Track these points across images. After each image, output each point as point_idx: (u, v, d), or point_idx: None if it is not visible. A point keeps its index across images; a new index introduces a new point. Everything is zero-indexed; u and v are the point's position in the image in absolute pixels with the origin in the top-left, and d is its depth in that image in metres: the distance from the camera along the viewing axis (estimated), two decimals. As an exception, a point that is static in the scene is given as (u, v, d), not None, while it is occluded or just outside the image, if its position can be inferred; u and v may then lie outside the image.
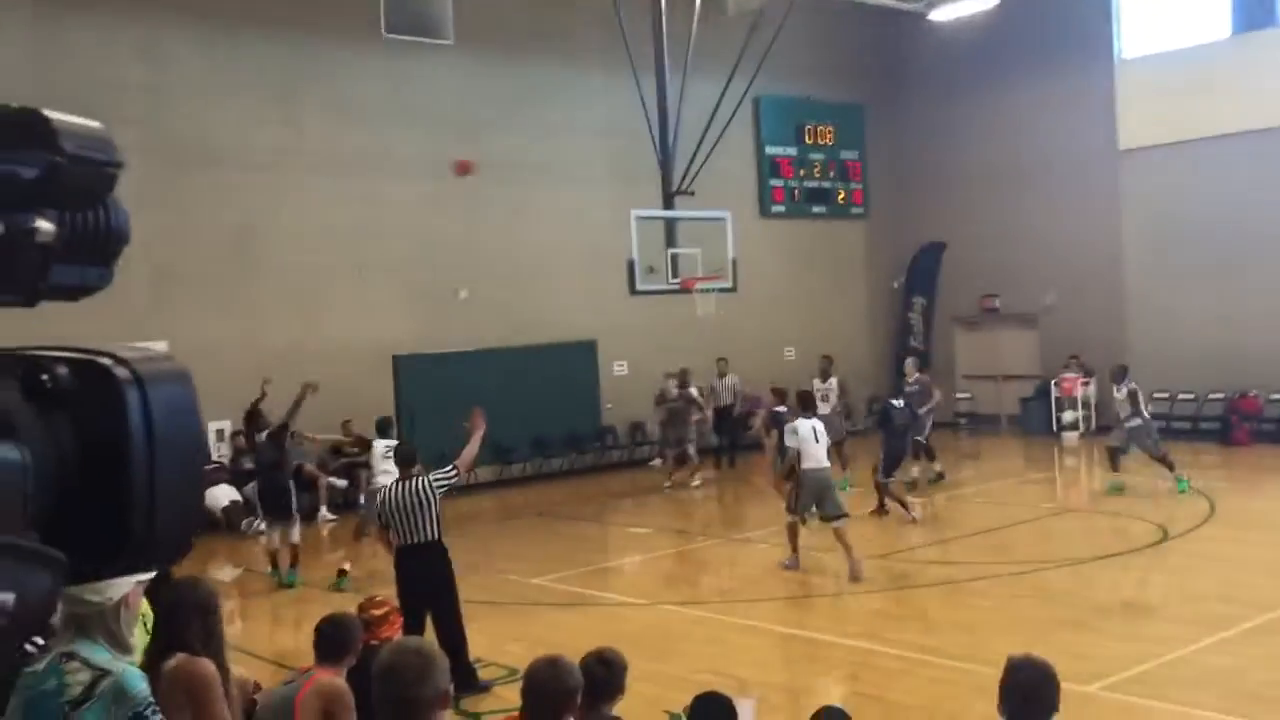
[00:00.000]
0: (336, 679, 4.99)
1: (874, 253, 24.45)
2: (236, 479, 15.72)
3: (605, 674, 4.70)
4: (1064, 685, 7.38)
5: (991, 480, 15.79)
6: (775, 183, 22.86)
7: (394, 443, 11.26)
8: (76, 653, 3.01)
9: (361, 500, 13.79)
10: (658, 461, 20.33)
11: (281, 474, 12.41)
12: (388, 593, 7.71)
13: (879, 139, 24.30)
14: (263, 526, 13.17)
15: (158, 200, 15.80)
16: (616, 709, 4.81)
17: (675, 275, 15.51)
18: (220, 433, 16.06)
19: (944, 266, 24.21)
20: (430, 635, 7.79)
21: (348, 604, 7.02)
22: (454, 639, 7.76)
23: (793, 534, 11.72)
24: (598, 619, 10.19)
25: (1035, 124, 22.07)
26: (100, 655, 3.01)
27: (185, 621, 3.96)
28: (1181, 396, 20.48)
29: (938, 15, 20.30)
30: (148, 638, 4.16)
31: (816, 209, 23.54)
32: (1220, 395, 19.99)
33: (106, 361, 0.92)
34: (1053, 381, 21.60)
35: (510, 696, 8.17)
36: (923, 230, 24.12)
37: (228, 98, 16.63)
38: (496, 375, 17.76)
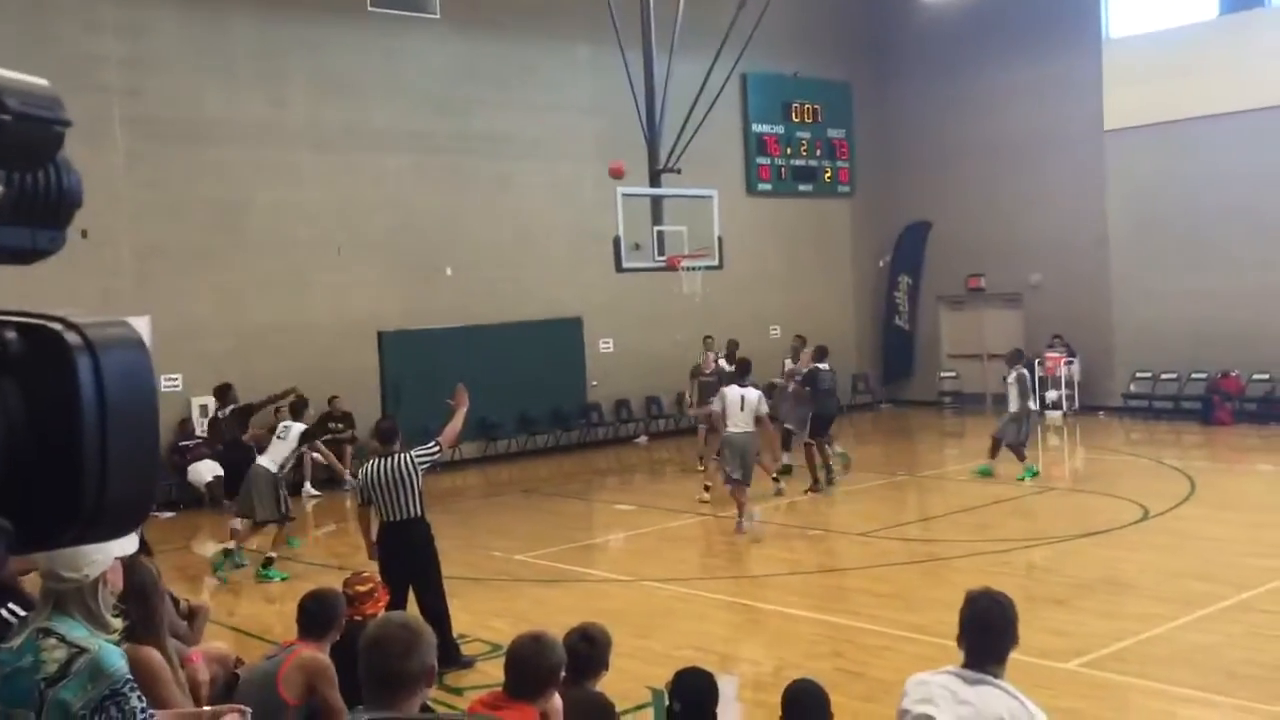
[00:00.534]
0: (319, 653, 4.99)
1: (860, 231, 24.44)
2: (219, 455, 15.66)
3: (589, 650, 4.72)
4: (1044, 663, 7.43)
5: (975, 459, 15.84)
6: (762, 160, 22.81)
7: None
8: (53, 629, 2.99)
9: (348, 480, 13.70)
10: (643, 439, 20.36)
11: (244, 451, 12.35)
12: (372, 568, 7.71)
13: (866, 117, 24.25)
14: (224, 494, 13.03)
15: (140, 175, 15.71)
16: (600, 685, 4.83)
17: (661, 253, 15.47)
18: (204, 409, 16.00)
19: (930, 245, 24.23)
20: (413, 611, 7.79)
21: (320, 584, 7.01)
22: (437, 615, 7.76)
23: (739, 499, 12.58)
24: (581, 595, 10.21)
25: (1022, 103, 22.06)
26: (77, 632, 2.99)
27: (126, 605, 3.94)
28: (1164, 376, 20.58)
29: (926, -7, 20.22)
30: None
31: (803, 187, 23.51)
32: (1203, 375, 20.09)
33: (57, 327, 0.90)
34: (1036, 361, 21.67)
35: (493, 672, 8.18)
36: (909, 209, 24.13)
37: (211, 72, 16.49)
38: (482, 351, 17.74)
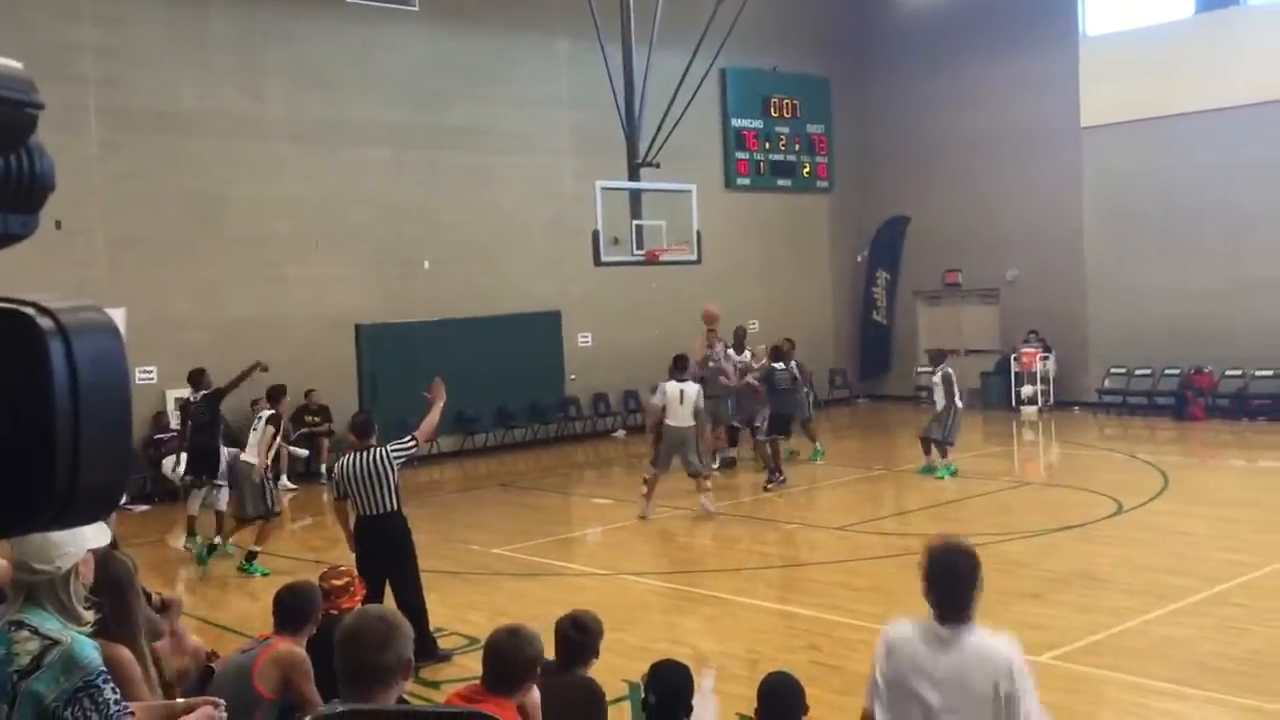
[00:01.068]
0: (295, 647, 4.97)
1: (838, 226, 24.51)
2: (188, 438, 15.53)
3: (580, 638, 4.76)
4: (1018, 655, 7.43)
5: (951, 454, 15.92)
6: (741, 155, 22.84)
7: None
8: (25, 621, 2.97)
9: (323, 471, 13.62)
10: (621, 433, 20.36)
11: (211, 436, 12.27)
12: (350, 561, 7.69)
13: (844, 113, 24.31)
14: (183, 476, 12.89)
15: (115, 166, 15.59)
16: (590, 671, 4.85)
17: (640, 247, 15.48)
18: (179, 401, 15.88)
19: (907, 241, 24.32)
20: (390, 605, 7.77)
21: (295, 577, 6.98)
22: (414, 608, 7.74)
23: (650, 486, 13.05)
24: (559, 589, 10.21)
25: (999, 99, 22.16)
26: (50, 624, 2.97)
27: (100, 600, 3.90)
28: (1139, 372, 20.73)
29: (904, -11, 20.27)
30: None
31: (782, 182, 23.55)
32: (1176, 371, 20.25)
33: (29, 311, 0.89)
34: (1012, 356, 21.80)
35: (471, 665, 8.18)
36: (887, 204, 24.21)
37: (188, 63, 16.37)
38: (460, 345, 17.71)
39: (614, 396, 20.71)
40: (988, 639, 3.62)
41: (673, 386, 13.21)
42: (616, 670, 6.64)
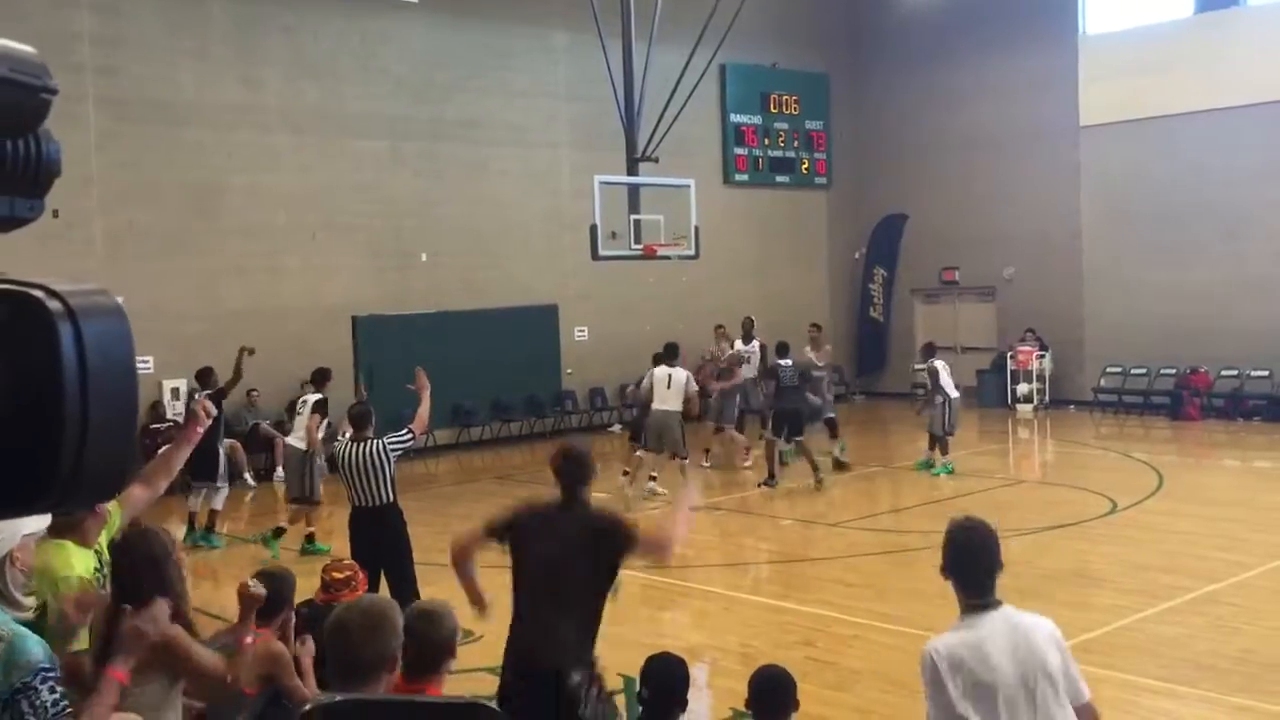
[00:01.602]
0: (271, 643, 4.92)
1: (836, 223, 24.51)
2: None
3: (577, 464, 5.11)
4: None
5: (949, 449, 15.93)
6: (739, 151, 22.83)
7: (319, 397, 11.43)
8: None
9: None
10: (617, 427, 20.36)
11: (212, 437, 12.27)
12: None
13: (843, 109, 24.31)
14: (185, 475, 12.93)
15: (113, 155, 15.55)
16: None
17: (638, 241, 15.46)
18: (175, 391, 15.89)
19: (905, 238, 24.32)
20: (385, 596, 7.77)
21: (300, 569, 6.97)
22: (409, 601, 7.72)
23: (636, 466, 13.78)
24: (554, 582, 10.19)
25: (999, 97, 22.17)
26: None
27: (138, 575, 3.88)
28: (1134, 371, 20.76)
29: (905, -14, 20.26)
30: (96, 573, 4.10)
31: (780, 178, 23.55)
32: (1172, 370, 20.28)
33: (39, 294, 0.89)
34: (1009, 354, 21.82)
35: (465, 657, 8.17)
36: (885, 202, 24.21)
37: (186, 52, 16.34)
38: (457, 338, 17.70)
39: (610, 391, 20.71)
40: (1022, 613, 3.65)
41: (661, 370, 13.66)
42: (611, 664, 6.63)
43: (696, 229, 15.87)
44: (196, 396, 12.71)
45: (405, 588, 8.03)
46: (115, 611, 3.86)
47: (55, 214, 13.10)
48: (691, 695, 4.76)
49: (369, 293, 17.82)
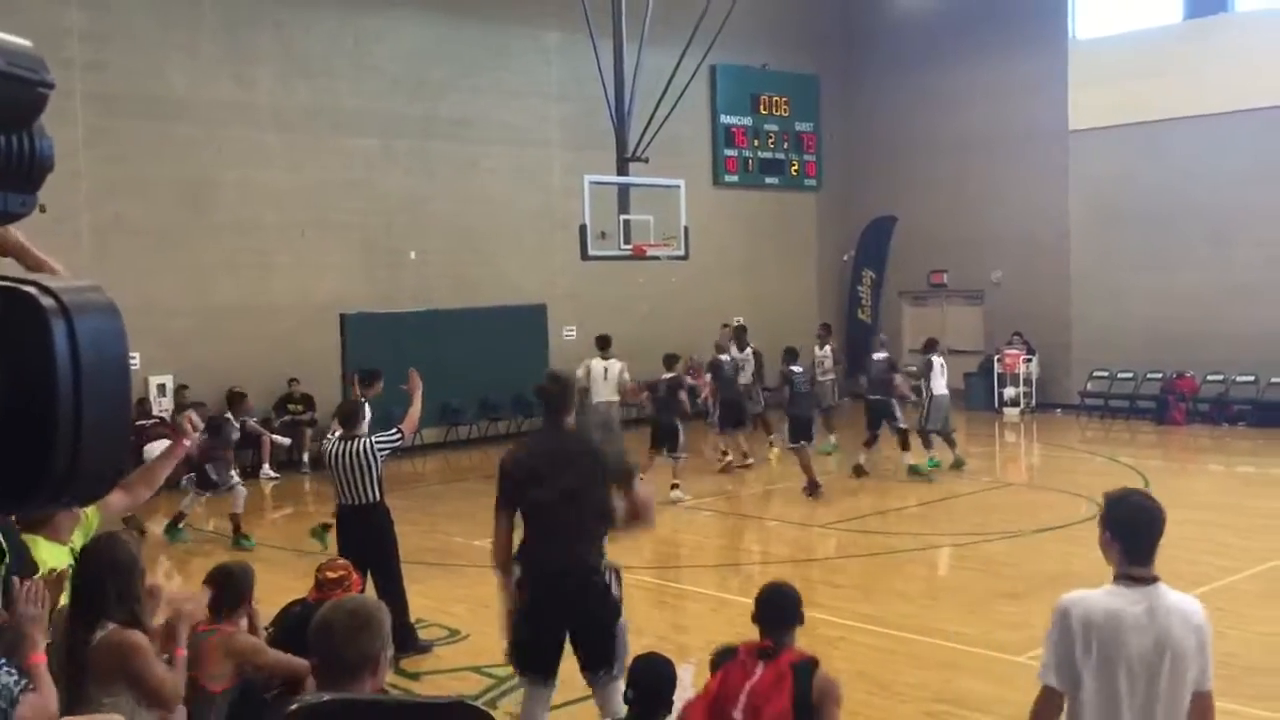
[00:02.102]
0: (236, 633, 4.91)
1: (825, 225, 24.55)
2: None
3: (558, 389, 5.78)
4: (998, 655, 7.50)
5: (934, 454, 15.97)
6: (729, 152, 22.85)
7: None
8: None
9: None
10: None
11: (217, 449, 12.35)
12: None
13: (833, 111, 24.35)
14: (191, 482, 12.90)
15: (101, 151, 15.48)
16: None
17: (627, 242, 15.47)
18: (161, 387, 15.82)
19: (894, 240, 24.37)
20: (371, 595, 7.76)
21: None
22: (394, 600, 7.73)
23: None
24: (540, 582, 10.19)
25: (988, 101, 22.24)
26: None
27: (100, 582, 3.86)
28: (1121, 375, 20.84)
29: (896, -11, 20.31)
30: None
31: (770, 180, 23.57)
32: (1158, 375, 20.36)
33: (32, 291, 0.89)
34: (996, 357, 21.89)
35: (451, 657, 8.19)
36: (874, 204, 24.26)
37: (176, 48, 16.28)
38: (445, 336, 17.68)
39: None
40: (1172, 593, 3.69)
41: (596, 363, 13.97)
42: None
43: (686, 229, 15.89)
44: (227, 418, 12.78)
45: (391, 587, 8.02)
46: (74, 620, 3.83)
47: (43, 209, 12.98)
48: (677, 696, 4.76)
49: (358, 290, 17.79)
